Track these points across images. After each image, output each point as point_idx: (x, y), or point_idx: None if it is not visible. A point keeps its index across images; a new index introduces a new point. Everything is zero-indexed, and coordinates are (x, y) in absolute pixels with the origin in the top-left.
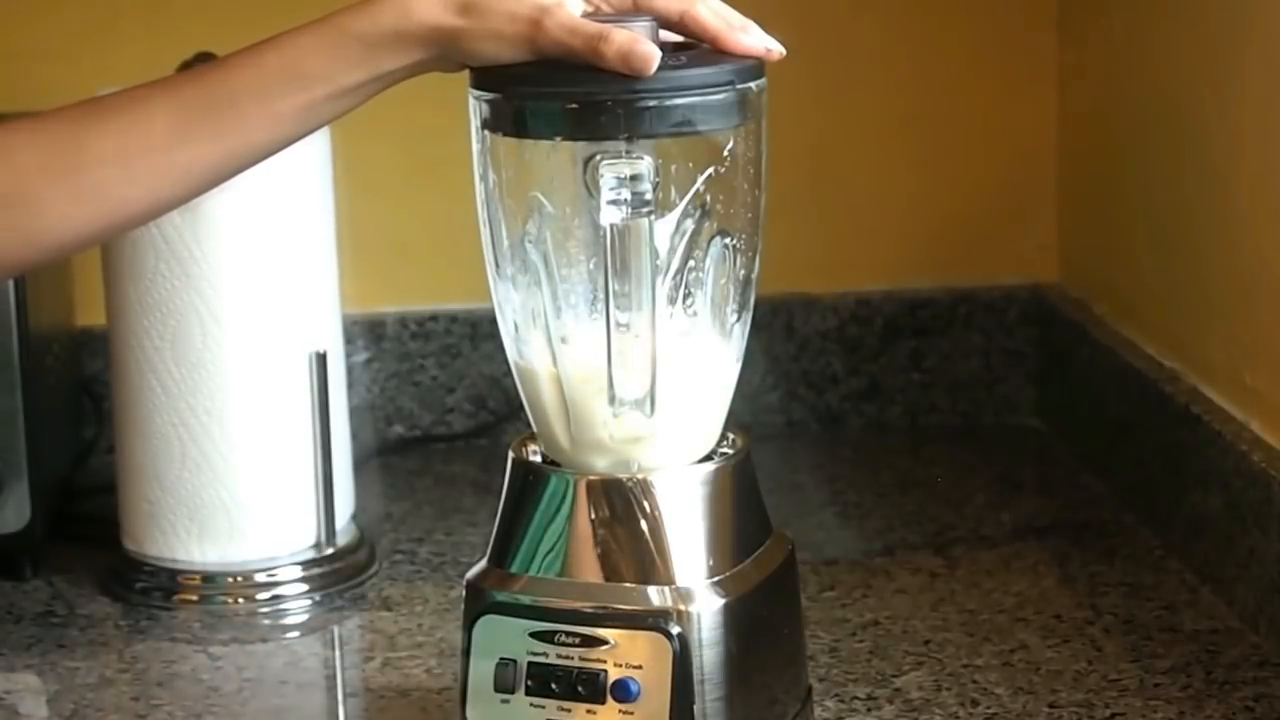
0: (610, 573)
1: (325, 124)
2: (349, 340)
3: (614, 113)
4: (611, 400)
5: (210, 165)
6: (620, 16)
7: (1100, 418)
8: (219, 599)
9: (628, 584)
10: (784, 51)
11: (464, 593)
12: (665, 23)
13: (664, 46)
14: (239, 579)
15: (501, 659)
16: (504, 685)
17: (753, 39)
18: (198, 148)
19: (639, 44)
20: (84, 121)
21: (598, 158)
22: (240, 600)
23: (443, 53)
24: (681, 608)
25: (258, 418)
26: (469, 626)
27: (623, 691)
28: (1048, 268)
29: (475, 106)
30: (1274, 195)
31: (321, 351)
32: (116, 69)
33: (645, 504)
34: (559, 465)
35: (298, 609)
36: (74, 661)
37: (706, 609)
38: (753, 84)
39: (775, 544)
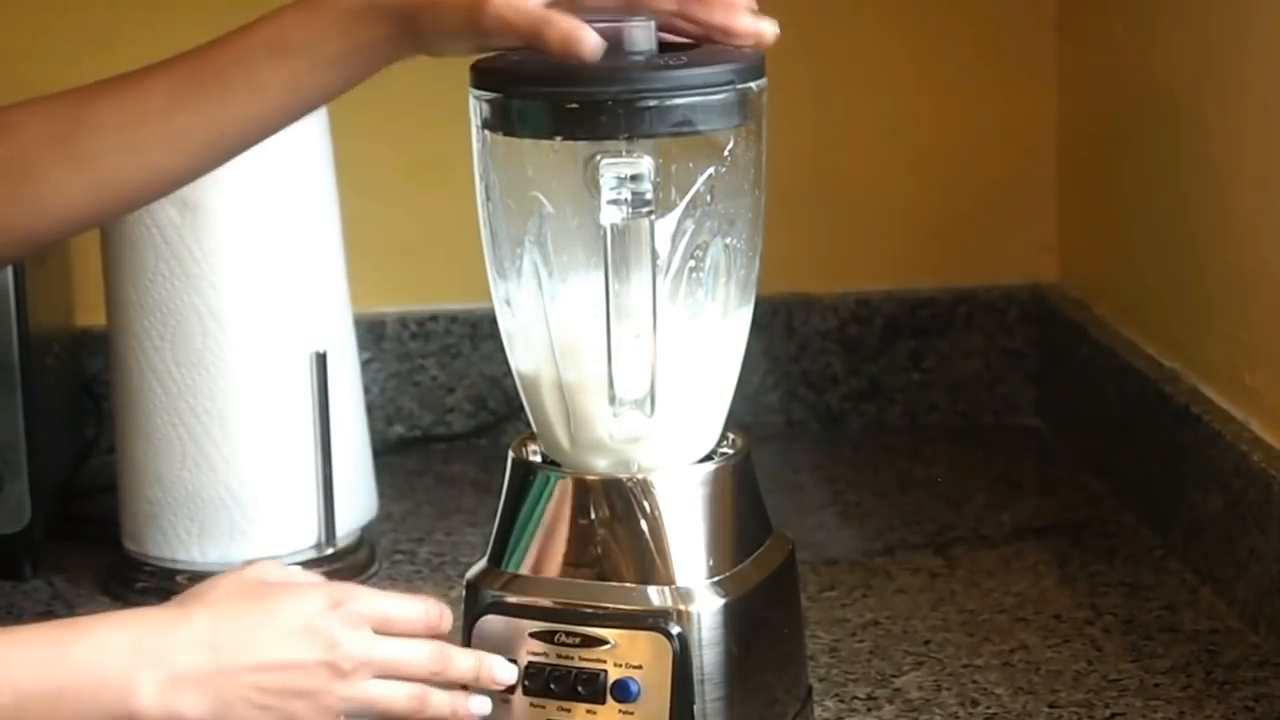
0: (610, 572)
1: (315, 101)
2: None
3: (614, 113)
4: (611, 400)
5: (203, 136)
6: (616, 14)
7: (1100, 418)
8: None
9: (628, 584)
10: (775, 31)
11: (464, 593)
12: (662, 16)
13: (663, 46)
14: None
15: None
16: None
17: (746, 20)
18: (190, 118)
19: (580, 30)
20: (88, 94)
21: (598, 158)
22: None
23: (407, 25)
24: (681, 608)
25: (258, 417)
26: (469, 626)
27: (623, 691)
28: (1048, 268)
29: (475, 106)
30: (1274, 195)
31: (322, 351)
32: (117, 70)
33: (645, 504)
34: (559, 465)
35: None
36: None
37: (706, 609)
38: (753, 84)
39: (775, 544)
